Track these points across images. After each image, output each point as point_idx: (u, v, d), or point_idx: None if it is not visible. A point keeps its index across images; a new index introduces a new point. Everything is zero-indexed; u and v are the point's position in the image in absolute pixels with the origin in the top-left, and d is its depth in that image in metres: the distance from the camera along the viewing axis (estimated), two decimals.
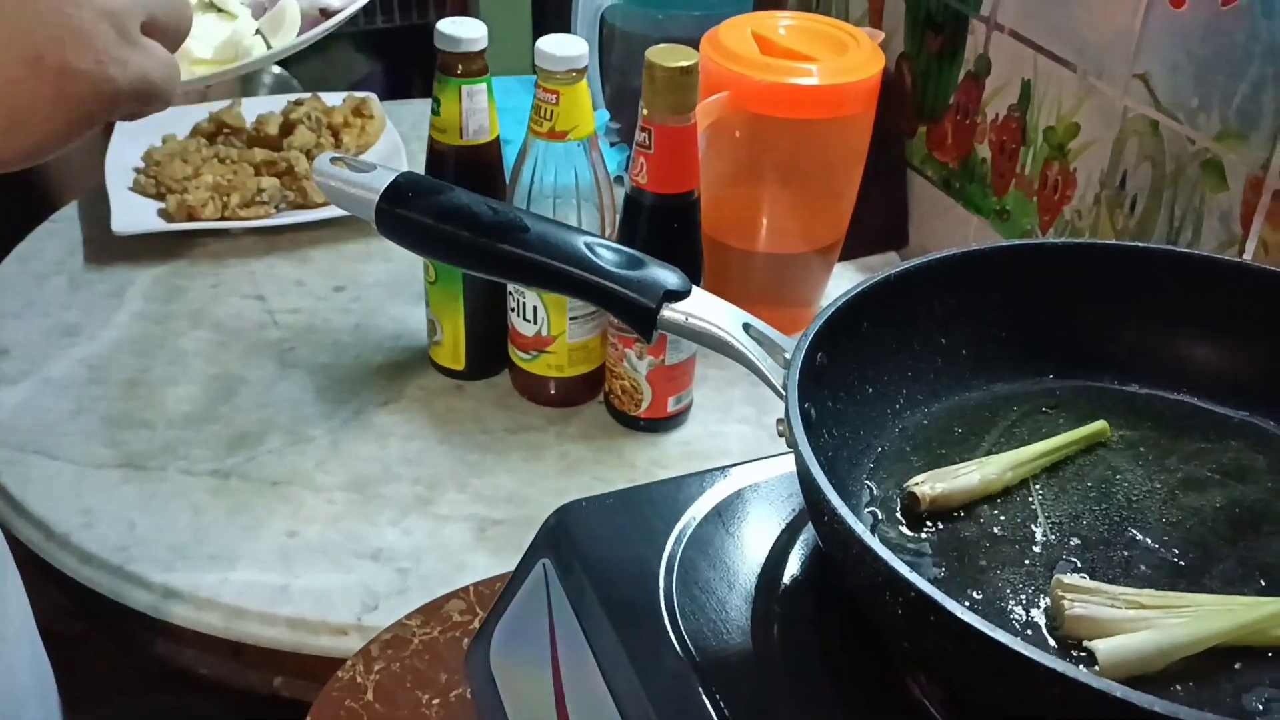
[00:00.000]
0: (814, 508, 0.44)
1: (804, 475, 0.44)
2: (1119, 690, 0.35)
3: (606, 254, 0.52)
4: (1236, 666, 0.44)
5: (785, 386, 0.48)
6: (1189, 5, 0.78)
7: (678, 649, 0.48)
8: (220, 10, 0.84)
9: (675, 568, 0.52)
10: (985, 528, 0.50)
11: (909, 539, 0.50)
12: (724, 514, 0.55)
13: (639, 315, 0.50)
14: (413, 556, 0.77)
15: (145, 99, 0.47)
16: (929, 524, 0.51)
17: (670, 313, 0.50)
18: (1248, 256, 0.76)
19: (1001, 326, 0.59)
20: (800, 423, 0.46)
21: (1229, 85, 0.76)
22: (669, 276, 0.51)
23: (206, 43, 0.80)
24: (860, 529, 0.40)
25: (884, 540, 0.50)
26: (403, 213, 0.52)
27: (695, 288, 0.51)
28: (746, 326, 0.51)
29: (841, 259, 1.04)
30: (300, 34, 0.83)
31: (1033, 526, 0.51)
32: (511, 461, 0.86)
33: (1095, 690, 0.35)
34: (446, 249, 0.53)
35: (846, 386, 0.54)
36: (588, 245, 0.52)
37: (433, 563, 0.77)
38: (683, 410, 0.89)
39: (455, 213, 0.51)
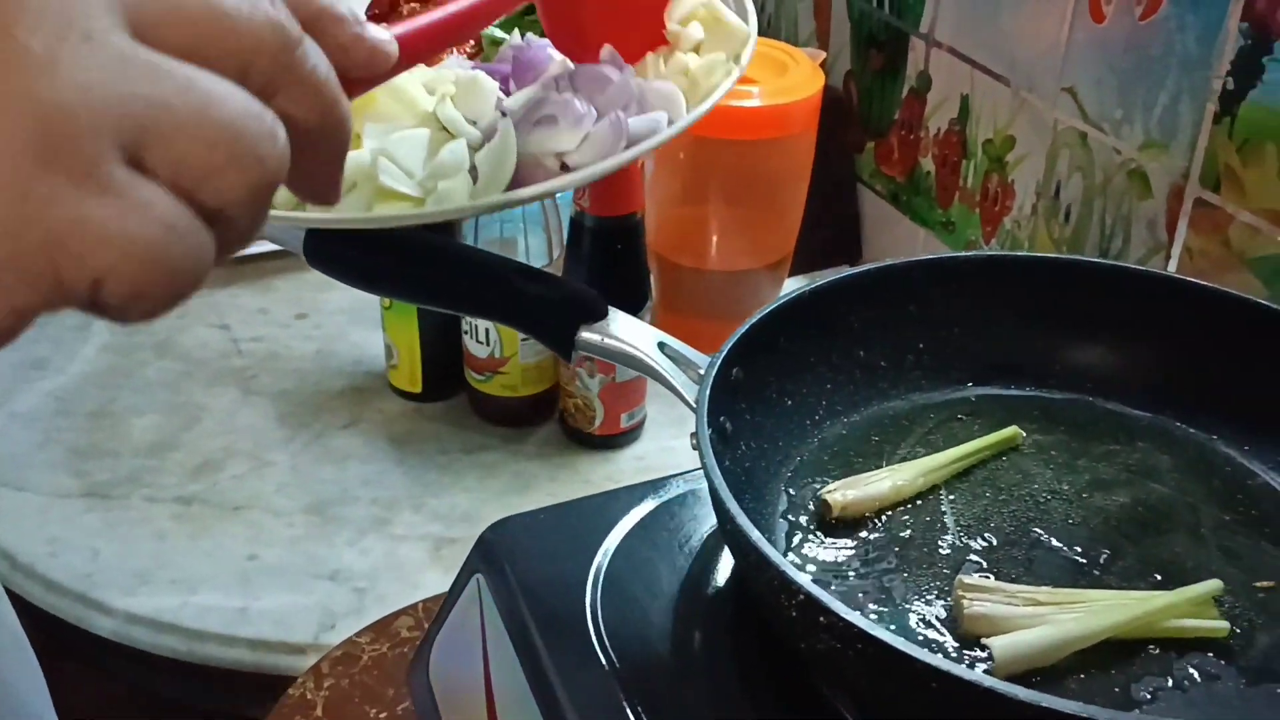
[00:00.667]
0: (718, 516, 0.46)
1: (709, 486, 0.46)
2: (987, 681, 0.37)
3: (526, 279, 0.54)
4: (1129, 659, 0.46)
5: (697, 402, 0.50)
6: (1109, 20, 0.80)
7: (602, 660, 0.49)
8: (442, 128, 0.53)
9: (602, 580, 0.53)
10: (896, 532, 0.52)
11: (823, 545, 0.52)
12: (652, 526, 0.57)
13: (556, 338, 0.52)
14: (369, 576, 0.79)
15: (102, 297, 0.25)
16: (843, 530, 0.53)
17: (587, 334, 0.52)
18: (1173, 262, 0.79)
19: (918, 338, 0.61)
20: (708, 437, 0.48)
21: (1149, 97, 0.78)
22: (585, 299, 0.53)
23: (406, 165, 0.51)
24: (754, 534, 0.42)
25: (798, 547, 0.52)
26: (329, 246, 0.54)
27: (612, 309, 0.53)
28: (662, 345, 0.53)
29: (795, 273, 1.06)
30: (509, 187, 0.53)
31: (942, 530, 0.53)
32: (467, 481, 0.88)
33: (966, 682, 0.37)
34: (374, 280, 0.55)
35: (765, 400, 0.56)
36: (509, 271, 0.54)
37: (389, 582, 0.79)
38: (636, 426, 0.91)
39: (380, 244, 0.54)
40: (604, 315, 0.53)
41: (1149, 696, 0.45)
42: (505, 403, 0.92)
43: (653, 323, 0.99)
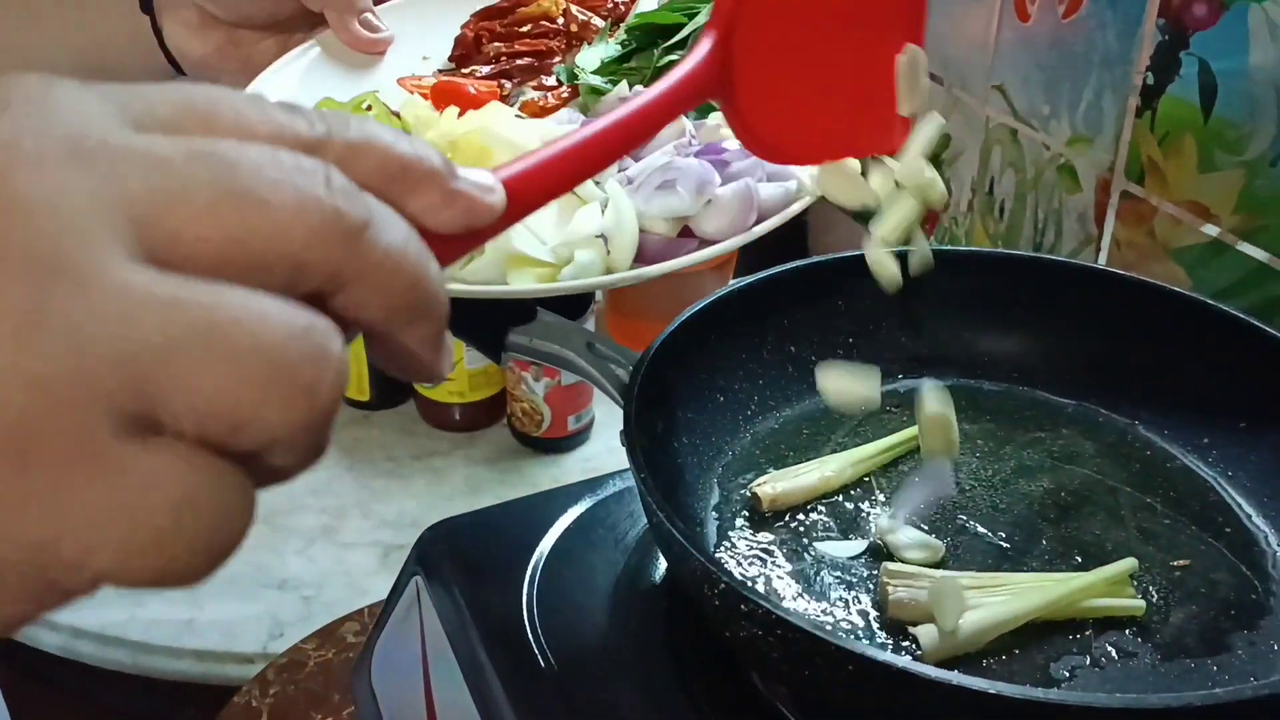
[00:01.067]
0: (645, 512, 0.47)
1: (636, 482, 0.47)
2: (900, 662, 0.38)
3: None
4: (1049, 638, 0.47)
5: (624, 401, 0.51)
6: (1034, 19, 0.82)
7: (540, 659, 0.50)
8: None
9: (539, 580, 0.54)
10: (825, 523, 0.53)
11: (755, 537, 0.53)
12: (589, 525, 0.58)
13: (485, 341, 0.53)
14: (317, 584, 0.79)
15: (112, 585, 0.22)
16: (774, 522, 0.54)
17: (515, 337, 0.53)
18: (1103, 254, 0.80)
19: (848, 333, 0.63)
20: (634, 435, 0.48)
21: (1074, 93, 0.80)
22: (513, 302, 0.54)
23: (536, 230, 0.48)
24: (677, 527, 0.43)
25: (730, 539, 0.53)
26: None
27: (540, 310, 0.54)
28: (591, 346, 0.53)
29: (741, 274, 1.07)
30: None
31: (869, 519, 0.54)
32: (416, 487, 0.88)
33: (881, 664, 0.38)
34: None
35: (696, 396, 0.57)
36: None
37: (336, 589, 0.79)
38: (583, 429, 0.92)
39: None
40: (532, 317, 0.53)
41: (1068, 675, 0.46)
42: (453, 408, 0.92)
43: (599, 326, 1.00)
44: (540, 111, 0.53)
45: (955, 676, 0.36)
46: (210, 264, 0.22)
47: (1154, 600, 0.49)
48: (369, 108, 0.54)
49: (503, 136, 0.47)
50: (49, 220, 0.20)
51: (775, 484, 0.54)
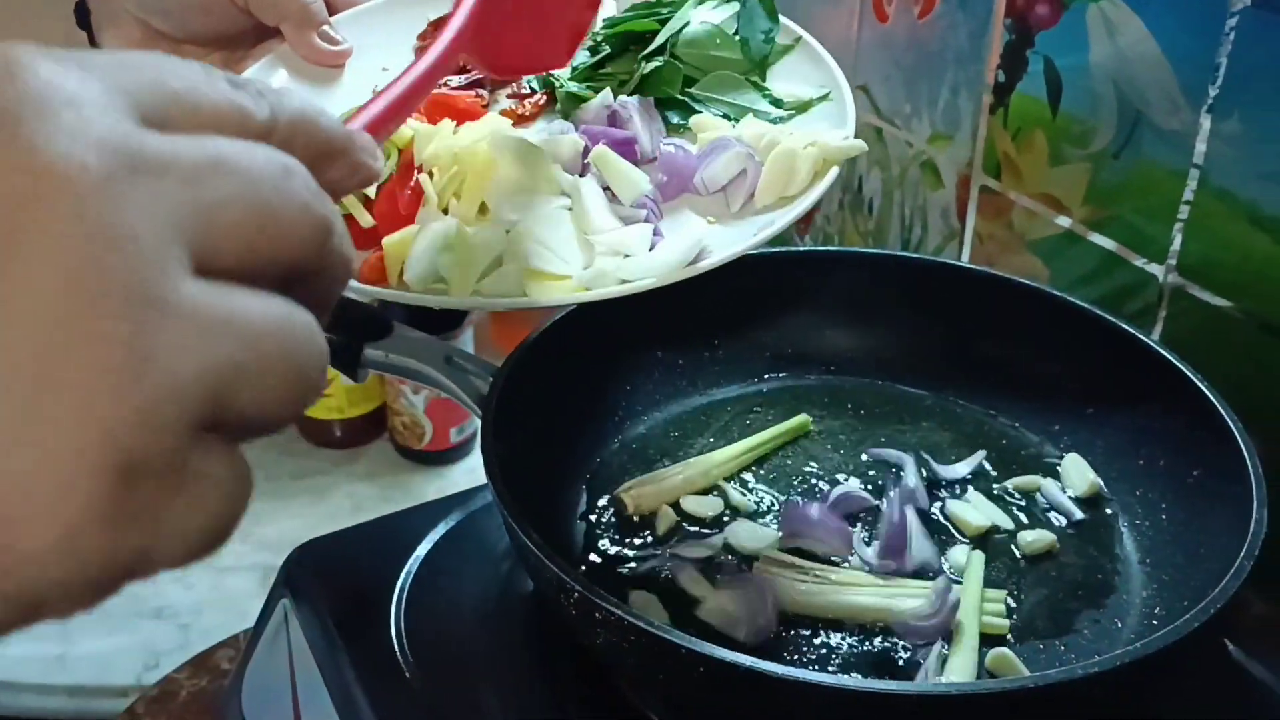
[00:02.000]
0: (503, 523, 0.47)
1: (492, 494, 0.47)
2: (747, 661, 0.38)
3: None
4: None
5: (481, 416, 0.50)
6: (892, 20, 0.84)
7: (408, 675, 0.50)
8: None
9: (407, 596, 0.54)
10: (689, 525, 0.54)
11: (621, 542, 0.53)
12: (459, 538, 0.57)
13: (341, 357, 0.52)
14: (194, 611, 0.78)
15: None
16: (640, 527, 0.54)
17: (371, 352, 0.52)
18: (966, 249, 0.82)
19: (714, 335, 0.63)
20: (491, 447, 0.48)
21: (933, 91, 0.82)
22: (369, 316, 0.53)
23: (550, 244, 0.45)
24: (530, 538, 0.43)
25: (597, 546, 0.53)
26: None
27: (398, 325, 0.53)
28: (449, 359, 0.53)
29: None
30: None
31: (734, 518, 0.54)
32: (297, 506, 0.87)
33: (729, 664, 0.38)
34: None
35: (562, 406, 0.57)
36: None
37: (215, 615, 0.77)
38: (467, 440, 0.91)
39: None
40: (388, 332, 0.53)
41: (921, 664, 0.47)
42: (333, 425, 0.91)
43: (477, 336, 0.99)
44: (519, 120, 0.54)
45: (802, 673, 0.37)
46: (237, 270, 0.23)
47: (1007, 585, 0.50)
48: None
49: (509, 148, 0.47)
50: (136, 247, 0.22)
51: (640, 488, 0.54)
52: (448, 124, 0.48)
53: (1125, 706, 0.41)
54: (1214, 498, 0.48)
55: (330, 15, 0.58)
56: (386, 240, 0.43)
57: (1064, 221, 0.73)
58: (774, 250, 0.64)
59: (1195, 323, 0.62)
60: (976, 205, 0.81)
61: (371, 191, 0.46)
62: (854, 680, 0.37)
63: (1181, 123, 0.61)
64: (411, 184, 0.45)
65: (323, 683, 0.51)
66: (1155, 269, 0.65)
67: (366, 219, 0.45)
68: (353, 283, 0.41)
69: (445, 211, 0.45)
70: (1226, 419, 0.49)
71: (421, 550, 0.56)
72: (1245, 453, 0.47)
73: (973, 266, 0.62)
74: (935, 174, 0.84)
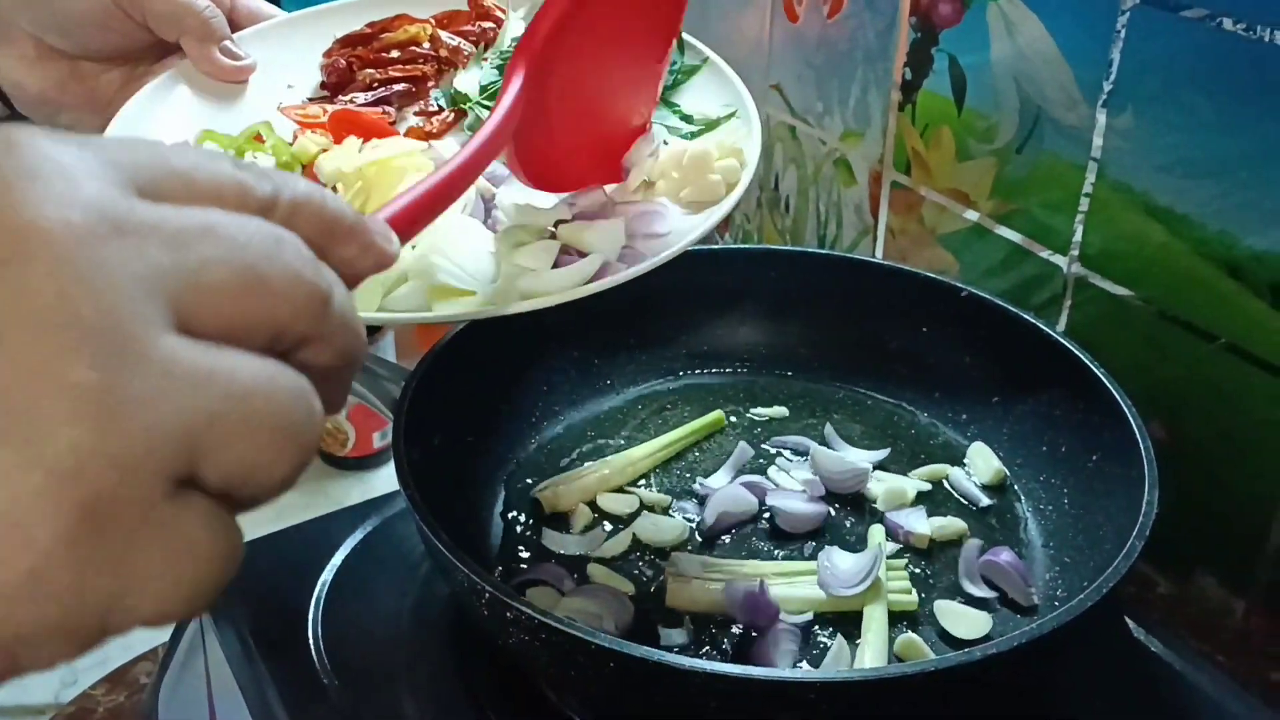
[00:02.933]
0: (416, 527, 0.47)
1: (405, 499, 0.47)
2: (655, 656, 0.38)
3: None
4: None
5: (393, 423, 0.50)
6: (802, 19, 0.85)
7: (325, 683, 0.49)
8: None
9: (324, 604, 0.53)
10: (605, 523, 0.54)
11: (539, 542, 0.53)
12: (377, 544, 0.57)
13: None
14: None
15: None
16: (558, 525, 0.54)
17: None
18: (879, 244, 0.84)
19: (631, 335, 0.64)
20: (402, 450, 0.48)
21: (843, 89, 0.83)
22: None
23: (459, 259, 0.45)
24: (440, 540, 0.43)
25: (515, 546, 0.53)
26: None
27: None
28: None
29: None
30: None
31: (648, 515, 0.55)
32: None
33: (637, 659, 0.39)
34: None
35: (478, 408, 0.57)
36: None
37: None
38: (390, 445, 0.91)
39: None
40: None
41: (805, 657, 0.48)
42: None
43: (401, 340, 0.99)
44: (427, 137, 0.54)
45: (707, 665, 0.38)
46: (222, 330, 0.24)
47: (920, 572, 0.51)
48: (260, 138, 0.52)
49: (414, 164, 0.46)
50: (112, 300, 0.22)
51: (556, 488, 0.55)
52: (353, 141, 0.48)
53: (1028, 685, 0.42)
54: (1111, 481, 0.50)
55: (235, 31, 0.57)
56: None
57: (972, 215, 0.74)
58: (673, 250, 0.65)
59: (1099, 311, 0.64)
60: (888, 201, 0.83)
61: None
62: (759, 670, 0.37)
63: (1079, 118, 0.63)
64: None
65: (241, 697, 0.51)
66: (1059, 260, 0.66)
67: None
68: None
69: None
70: (1122, 404, 0.50)
71: (339, 557, 0.56)
72: (1139, 437, 0.48)
73: (881, 261, 0.63)
74: (849, 171, 0.85)
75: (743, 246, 0.68)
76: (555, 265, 0.45)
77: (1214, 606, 0.59)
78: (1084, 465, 0.53)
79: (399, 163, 0.46)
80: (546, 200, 0.48)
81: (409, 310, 0.43)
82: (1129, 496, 0.47)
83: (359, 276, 0.30)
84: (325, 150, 0.50)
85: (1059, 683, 0.45)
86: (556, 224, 0.47)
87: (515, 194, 0.48)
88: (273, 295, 0.25)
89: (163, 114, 0.53)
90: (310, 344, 0.26)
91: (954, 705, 0.40)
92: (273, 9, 0.60)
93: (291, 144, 0.52)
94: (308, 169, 0.47)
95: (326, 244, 0.28)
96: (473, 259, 0.45)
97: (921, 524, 0.52)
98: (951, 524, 0.53)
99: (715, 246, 0.66)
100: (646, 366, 0.64)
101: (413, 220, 0.34)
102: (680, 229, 0.48)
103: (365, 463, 0.90)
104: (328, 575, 0.54)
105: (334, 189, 0.46)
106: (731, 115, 0.52)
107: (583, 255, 0.46)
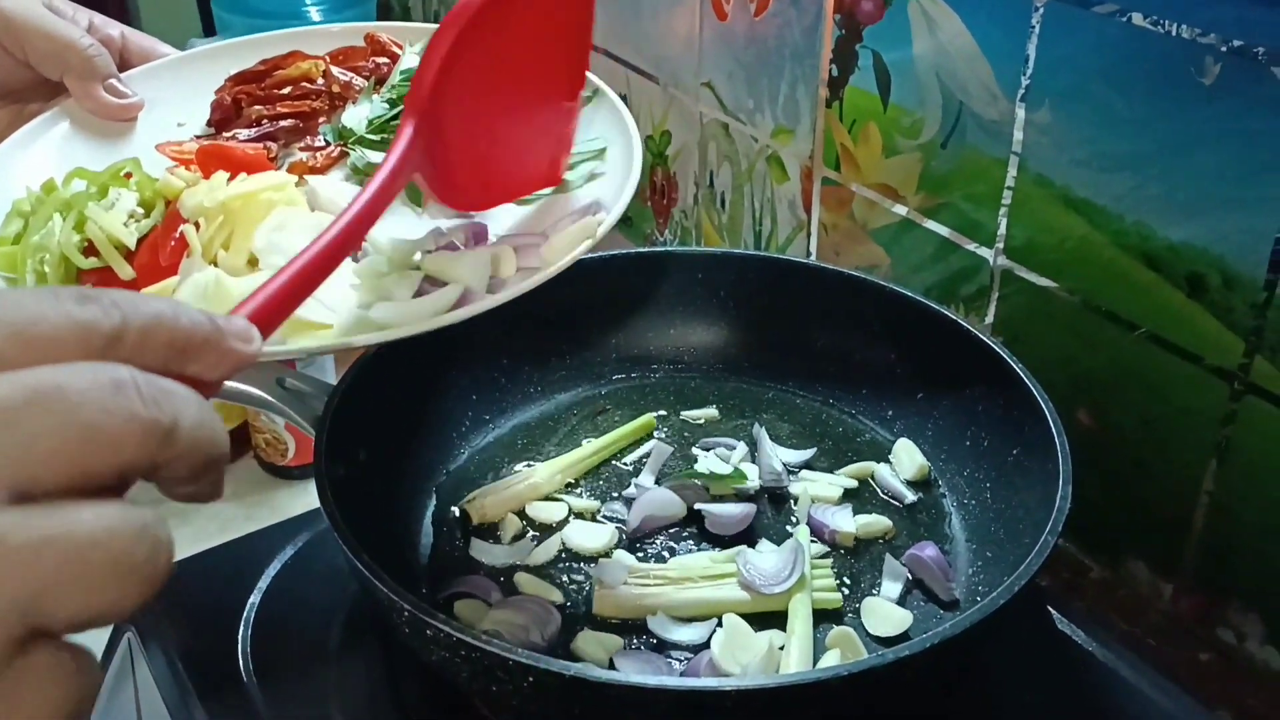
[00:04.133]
0: (339, 546, 0.47)
1: (326, 517, 0.47)
2: (572, 669, 0.39)
3: None
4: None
5: (315, 438, 0.50)
6: (731, 18, 0.85)
7: (256, 702, 0.49)
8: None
9: (254, 621, 0.53)
10: (534, 531, 0.54)
11: (468, 552, 0.53)
12: (309, 558, 0.57)
13: None
14: None
15: None
16: (487, 534, 0.54)
17: None
18: (813, 239, 0.84)
19: (559, 339, 0.64)
20: (323, 468, 0.48)
21: (773, 87, 0.83)
22: None
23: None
24: (360, 560, 0.43)
25: (444, 557, 0.53)
26: None
27: None
28: (281, 381, 0.53)
29: None
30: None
31: (578, 521, 0.55)
32: None
33: (553, 673, 0.39)
34: None
35: (404, 420, 0.57)
36: None
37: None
38: None
39: None
40: None
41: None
42: None
43: (336, 358, 0.98)
44: (311, 171, 0.53)
45: (623, 676, 0.38)
46: (62, 488, 0.25)
47: (845, 570, 0.52)
48: (129, 175, 0.51)
49: (284, 197, 0.47)
50: None
51: (484, 499, 0.54)
52: (221, 176, 0.48)
53: (948, 681, 0.43)
54: (1030, 475, 0.51)
55: (125, 69, 0.57)
56: (145, 292, 0.43)
57: (900, 210, 0.75)
58: (611, 254, 0.65)
59: (1025, 303, 0.65)
60: (820, 197, 0.83)
61: (131, 243, 0.46)
62: (674, 680, 0.37)
63: (999, 113, 0.64)
64: (176, 235, 0.45)
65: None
66: (986, 253, 0.67)
67: (127, 271, 0.44)
68: None
69: (214, 263, 0.45)
70: (1039, 399, 0.51)
71: (269, 574, 0.56)
72: (1054, 431, 0.49)
73: (807, 261, 0.64)
74: (781, 167, 0.85)
75: (670, 250, 0.68)
76: (418, 295, 0.45)
77: (1144, 590, 0.60)
78: (1005, 460, 0.53)
79: (265, 196, 0.46)
80: (415, 231, 0.48)
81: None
82: (1046, 490, 0.47)
83: (219, 382, 0.30)
84: (191, 186, 0.49)
85: (981, 676, 0.46)
86: (424, 255, 0.47)
87: (382, 226, 0.48)
88: (111, 444, 0.26)
89: (39, 151, 0.53)
90: (162, 469, 0.27)
91: (872, 705, 0.41)
92: (167, 48, 0.60)
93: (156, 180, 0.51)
94: (170, 205, 0.47)
95: (180, 363, 0.29)
96: (331, 290, 0.44)
97: (847, 522, 0.53)
98: (877, 522, 0.53)
99: (642, 250, 0.66)
100: (577, 372, 0.64)
101: (277, 309, 0.34)
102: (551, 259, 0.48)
103: (307, 472, 0.89)
104: (256, 596, 0.54)
105: (196, 225, 0.46)
106: (602, 152, 0.53)
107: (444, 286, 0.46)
